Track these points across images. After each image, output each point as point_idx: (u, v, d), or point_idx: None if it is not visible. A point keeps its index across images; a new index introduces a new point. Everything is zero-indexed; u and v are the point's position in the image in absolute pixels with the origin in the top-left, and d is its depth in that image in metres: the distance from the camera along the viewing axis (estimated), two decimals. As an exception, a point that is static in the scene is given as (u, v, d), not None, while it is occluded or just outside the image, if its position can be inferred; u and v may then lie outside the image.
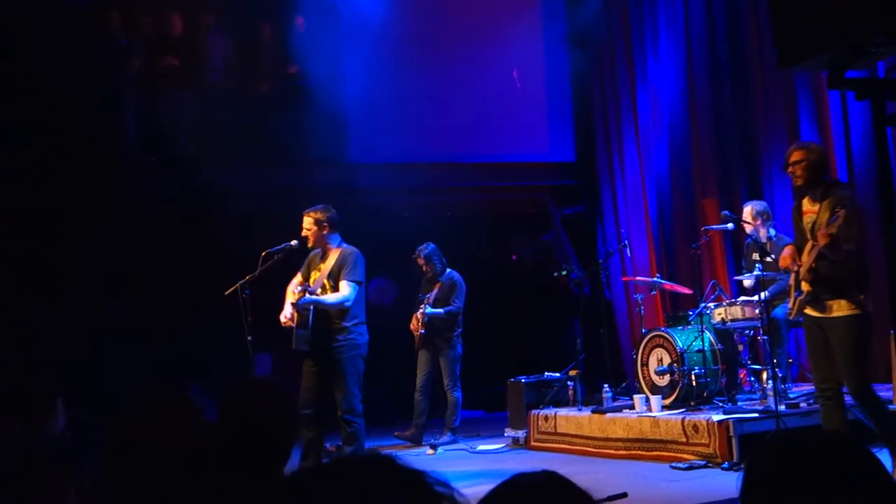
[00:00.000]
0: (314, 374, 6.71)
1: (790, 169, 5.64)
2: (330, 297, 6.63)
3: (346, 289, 6.64)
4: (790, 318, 5.95)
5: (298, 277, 6.94)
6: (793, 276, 5.67)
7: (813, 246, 5.47)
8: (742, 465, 1.68)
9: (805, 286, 5.55)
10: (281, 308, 6.81)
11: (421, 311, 8.91)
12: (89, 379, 7.99)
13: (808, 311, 5.58)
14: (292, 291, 6.81)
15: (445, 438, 8.89)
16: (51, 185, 8.73)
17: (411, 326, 9.04)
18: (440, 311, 8.91)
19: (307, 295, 6.55)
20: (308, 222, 6.77)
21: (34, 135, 8.64)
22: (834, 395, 5.56)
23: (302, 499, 1.34)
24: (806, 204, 5.64)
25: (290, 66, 10.76)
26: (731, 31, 9.54)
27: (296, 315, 6.63)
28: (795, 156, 5.60)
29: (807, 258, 5.52)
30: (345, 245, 6.82)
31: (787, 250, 5.71)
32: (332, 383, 6.68)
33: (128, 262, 9.36)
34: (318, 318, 6.60)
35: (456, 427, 9.03)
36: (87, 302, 8.87)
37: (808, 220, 5.59)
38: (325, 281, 6.71)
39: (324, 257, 6.82)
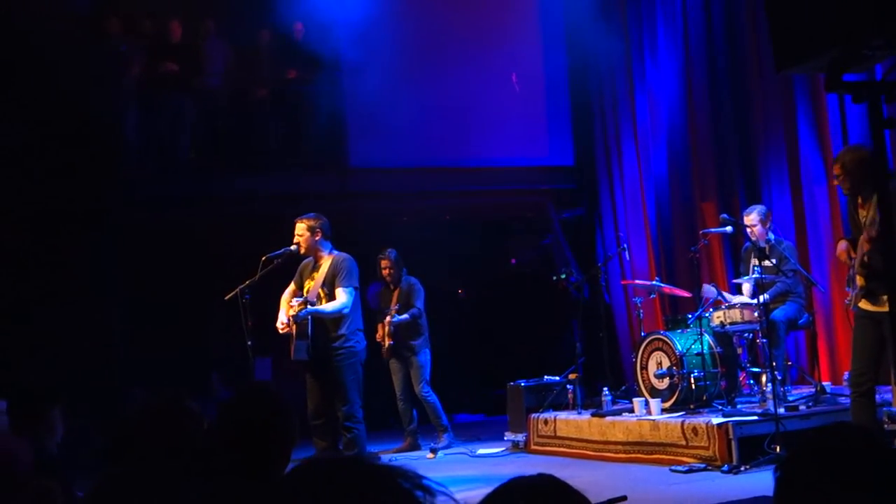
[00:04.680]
0: (317, 385, 6.73)
1: (835, 182, 5.69)
2: (328, 307, 6.64)
3: (343, 296, 6.65)
4: (848, 308, 5.87)
5: (292, 287, 6.95)
6: (848, 269, 5.68)
7: (864, 242, 5.49)
8: (778, 466, 1.66)
9: (860, 280, 5.56)
10: (277, 314, 6.83)
11: (388, 319, 8.77)
12: (89, 384, 8.00)
13: (863, 304, 5.59)
14: (288, 302, 6.82)
15: (444, 442, 8.84)
16: (49, 190, 8.74)
17: (377, 337, 8.89)
18: (406, 316, 8.79)
19: (307, 307, 6.56)
20: (301, 229, 6.78)
21: (33, 139, 8.65)
22: (868, 391, 5.57)
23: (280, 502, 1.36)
24: (860, 199, 5.65)
25: (289, 71, 10.78)
26: (729, 34, 9.55)
27: (294, 326, 6.64)
28: (835, 169, 5.67)
29: (860, 253, 5.54)
30: (336, 252, 6.84)
31: (843, 244, 5.73)
32: (331, 391, 6.70)
33: (127, 267, 9.37)
34: (317, 327, 6.62)
35: (447, 426, 8.93)
36: (86, 307, 8.88)
37: (863, 214, 5.59)
38: (320, 290, 6.71)
39: (316, 266, 6.83)
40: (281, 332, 6.77)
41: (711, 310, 7.73)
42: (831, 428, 1.67)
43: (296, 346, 6.65)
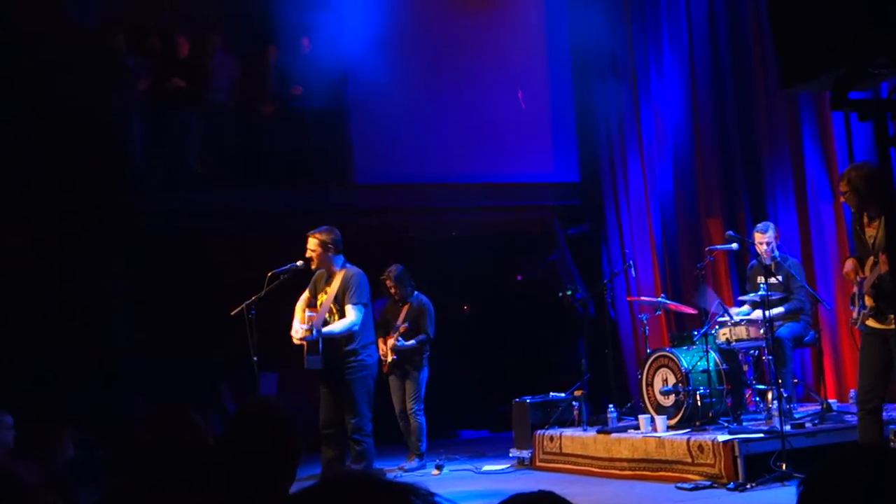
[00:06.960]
0: (330, 395, 6.77)
1: (841, 199, 5.69)
2: (336, 327, 6.67)
3: (352, 313, 6.67)
4: (853, 326, 5.88)
5: (306, 294, 6.97)
6: (855, 287, 5.68)
7: (875, 263, 5.49)
8: (799, 485, 1.66)
9: (868, 300, 5.57)
10: (288, 327, 6.83)
11: (392, 340, 8.70)
12: (95, 399, 8.00)
13: (871, 322, 5.59)
14: (303, 311, 6.84)
15: (413, 464, 8.67)
16: (57, 204, 8.77)
17: (380, 353, 8.87)
18: (412, 342, 8.69)
19: (314, 332, 6.59)
20: (313, 243, 6.80)
21: (41, 154, 8.68)
22: (875, 408, 5.57)
23: None
24: (867, 217, 5.65)
25: (295, 87, 10.82)
26: (734, 50, 9.57)
27: (306, 343, 6.69)
28: (841, 186, 5.66)
29: (870, 273, 5.54)
30: (348, 266, 6.85)
31: (850, 263, 5.73)
32: (341, 404, 6.71)
33: (133, 282, 9.39)
34: (328, 340, 6.66)
35: (423, 452, 8.77)
36: (91, 318, 8.89)
37: (870, 233, 5.59)
38: (332, 305, 6.75)
39: (329, 280, 6.85)
40: (296, 342, 6.79)
41: (717, 327, 7.72)
42: (858, 447, 1.67)
43: (308, 359, 6.71)
